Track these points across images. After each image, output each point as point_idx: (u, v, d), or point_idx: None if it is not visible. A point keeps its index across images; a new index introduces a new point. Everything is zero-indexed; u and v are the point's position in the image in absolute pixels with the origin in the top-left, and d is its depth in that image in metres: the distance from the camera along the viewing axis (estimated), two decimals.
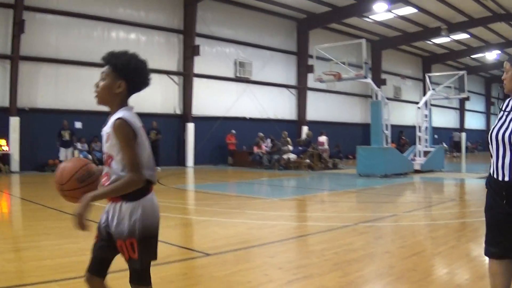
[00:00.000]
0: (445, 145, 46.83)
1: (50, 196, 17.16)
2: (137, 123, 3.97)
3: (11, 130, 27.31)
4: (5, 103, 27.56)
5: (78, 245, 9.09)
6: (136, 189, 3.90)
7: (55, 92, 29.32)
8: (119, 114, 3.96)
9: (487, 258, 4.90)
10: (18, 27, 27.32)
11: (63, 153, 28.01)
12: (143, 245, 3.99)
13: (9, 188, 22.04)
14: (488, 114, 74.33)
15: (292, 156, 32.40)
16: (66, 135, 28.10)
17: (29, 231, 11.33)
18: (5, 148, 27.04)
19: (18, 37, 27.50)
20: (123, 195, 3.92)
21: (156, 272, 7.45)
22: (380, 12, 38.76)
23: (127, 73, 4.07)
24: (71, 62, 29.73)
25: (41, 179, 24.65)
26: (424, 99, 31.62)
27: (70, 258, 8.16)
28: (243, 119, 37.77)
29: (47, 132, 27.95)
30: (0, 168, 26.76)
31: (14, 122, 27.40)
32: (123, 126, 3.87)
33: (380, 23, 43.88)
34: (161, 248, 8.85)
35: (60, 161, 27.64)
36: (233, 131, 35.78)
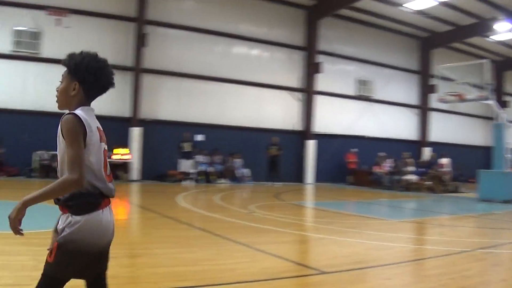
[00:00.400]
0: None
1: (168, 206, 17.48)
2: (90, 121, 3.64)
3: (132, 140, 28.07)
4: (128, 113, 28.36)
5: (194, 255, 9.14)
6: (83, 202, 3.58)
7: (176, 104, 29.96)
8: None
9: None
10: (141, 41, 28.18)
11: (183, 164, 28.42)
12: (64, 256, 3.55)
13: (128, 196, 22.48)
14: None
15: (413, 178, 31.85)
16: (187, 147, 28.46)
17: (145, 238, 11.49)
18: (128, 156, 27.66)
19: (140, 50, 28.31)
20: (69, 207, 3.60)
21: (270, 286, 7.41)
22: (502, 32, 37.64)
23: (80, 73, 3.75)
24: (193, 76, 30.33)
25: (160, 189, 25.06)
26: None
27: (185, 267, 8.15)
28: (363, 137, 37.36)
29: (168, 143, 28.56)
30: (120, 176, 27.36)
31: (136, 132, 28.22)
32: (71, 120, 3.52)
33: (503, 43, 42.49)
34: (276, 263, 8.83)
35: (181, 172, 28.17)
36: (354, 150, 35.46)
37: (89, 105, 3.83)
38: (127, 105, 28.42)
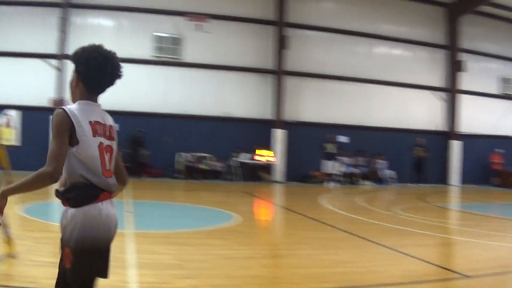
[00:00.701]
0: None
1: (311, 207, 17.51)
2: (82, 116, 3.61)
3: (276, 142, 28.27)
4: (270, 115, 28.64)
5: (337, 257, 9.13)
6: (80, 194, 3.56)
7: (319, 106, 29.90)
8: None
9: None
10: (281, 43, 28.36)
11: (326, 165, 28.32)
12: (78, 257, 3.54)
13: (272, 197, 22.69)
14: None
15: None
16: (330, 148, 28.36)
17: (288, 239, 11.59)
18: (272, 159, 27.91)
19: (282, 53, 28.49)
20: (68, 199, 3.59)
21: None
22: None
23: (76, 66, 3.73)
24: (335, 77, 30.15)
25: (303, 190, 25.14)
26: None
27: (327, 269, 8.16)
28: (508, 138, 36.11)
29: (311, 144, 28.56)
30: (264, 177, 27.59)
31: (280, 134, 28.34)
32: (57, 115, 3.53)
33: None
34: (419, 266, 8.70)
35: (324, 174, 28.08)
36: (499, 150, 34.37)
37: (94, 99, 3.81)
38: (269, 108, 28.70)
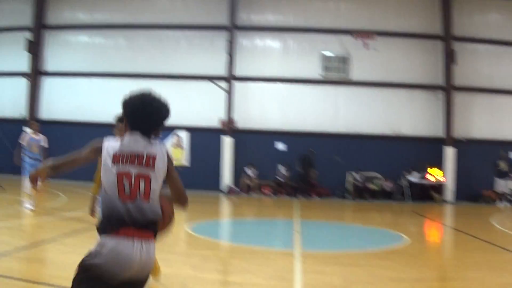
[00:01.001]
0: None
1: (481, 228, 17.02)
2: (110, 147, 4.10)
3: (446, 160, 27.68)
4: (441, 133, 28.08)
5: (506, 280, 8.89)
6: (101, 223, 3.97)
7: (489, 121, 28.75)
8: None
9: None
10: (449, 58, 27.72)
11: (499, 184, 27.43)
12: (79, 277, 3.81)
13: (442, 217, 22.26)
14: None
15: None
16: (503, 166, 27.44)
17: (457, 261, 11.36)
18: (442, 178, 27.36)
19: (450, 68, 27.87)
20: (96, 229, 3.99)
21: None
22: None
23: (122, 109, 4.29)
24: (504, 91, 28.86)
25: (474, 210, 24.43)
26: None
27: None
28: None
29: (483, 162, 27.62)
30: (434, 197, 27.07)
31: (450, 152, 27.70)
32: (99, 140, 4.16)
33: None
34: None
35: (497, 193, 27.17)
36: None
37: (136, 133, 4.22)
38: (439, 125, 28.16)
